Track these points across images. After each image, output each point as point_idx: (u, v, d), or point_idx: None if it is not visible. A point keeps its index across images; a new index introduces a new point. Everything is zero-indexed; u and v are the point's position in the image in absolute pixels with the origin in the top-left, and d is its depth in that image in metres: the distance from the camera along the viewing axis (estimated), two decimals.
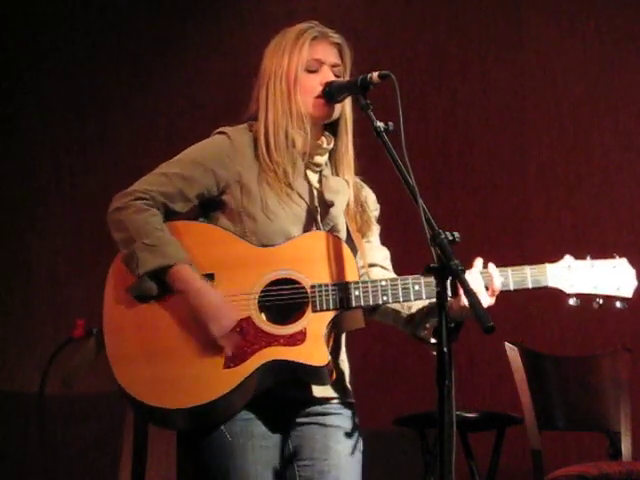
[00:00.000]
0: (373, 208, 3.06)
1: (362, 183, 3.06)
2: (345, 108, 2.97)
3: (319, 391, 2.85)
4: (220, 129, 2.96)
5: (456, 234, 2.69)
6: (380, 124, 2.73)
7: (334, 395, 2.89)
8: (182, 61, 6.19)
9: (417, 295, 2.78)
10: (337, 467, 2.87)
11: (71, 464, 5.84)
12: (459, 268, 2.52)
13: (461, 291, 2.69)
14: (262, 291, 2.78)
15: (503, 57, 5.88)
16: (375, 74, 2.79)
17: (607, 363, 4.89)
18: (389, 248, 3.05)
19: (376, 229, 3.05)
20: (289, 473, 2.87)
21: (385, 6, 6.07)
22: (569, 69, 5.80)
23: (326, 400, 2.88)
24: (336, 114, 2.95)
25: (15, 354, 6.03)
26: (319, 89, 2.91)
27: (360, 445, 2.92)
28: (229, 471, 2.78)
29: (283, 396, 2.82)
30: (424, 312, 2.88)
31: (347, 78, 2.95)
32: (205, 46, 6.19)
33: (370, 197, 3.07)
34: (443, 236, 2.58)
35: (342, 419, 2.90)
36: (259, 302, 2.78)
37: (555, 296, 5.73)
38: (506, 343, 4.75)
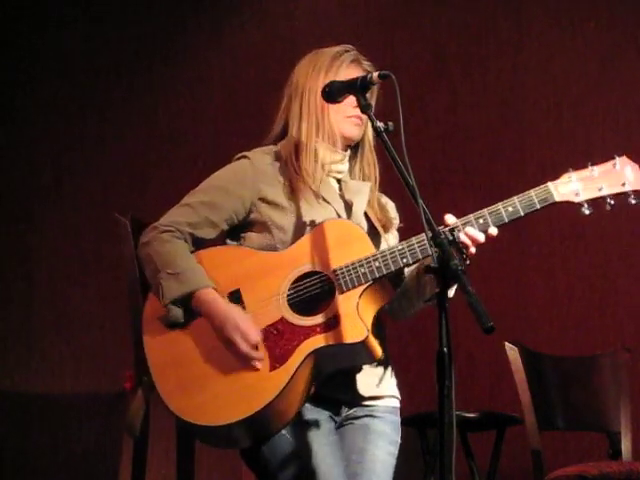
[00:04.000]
0: (393, 216, 3.12)
1: (380, 193, 3.13)
2: (367, 127, 3.05)
3: (365, 390, 2.91)
4: (240, 154, 3.03)
5: (456, 234, 2.71)
6: (380, 124, 2.75)
7: (382, 394, 2.95)
8: (182, 61, 6.19)
9: None
10: (371, 471, 2.91)
11: (71, 464, 5.84)
12: (459, 268, 2.53)
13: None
14: (289, 289, 2.84)
15: (503, 57, 5.88)
16: (375, 74, 2.81)
17: (607, 363, 4.89)
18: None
19: (395, 237, 3.11)
20: None
21: (385, 6, 6.07)
22: (569, 69, 5.80)
23: (373, 399, 2.93)
24: (362, 133, 3.04)
25: (15, 354, 6.03)
26: (351, 111, 2.98)
27: (396, 451, 2.99)
28: (293, 475, 2.82)
29: (332, 398, 2.89)
30: (418, 272, 2.95)
31: (373, 104, 3.00)
32: (205, 46, 6.18)
33: (390, 204, 3.15)
34: (443, 236, 2.60)
35: (386, 424, 2.96)
36: (289, 300, 2.84)
37: (555, 296, 5.74)
38: (506, 343, 4.75)
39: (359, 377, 2.91)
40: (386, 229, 3.06)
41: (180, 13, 6.21)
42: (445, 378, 2.48)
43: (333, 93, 2.90)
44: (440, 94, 5.93)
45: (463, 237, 2.79)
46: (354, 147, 3.08)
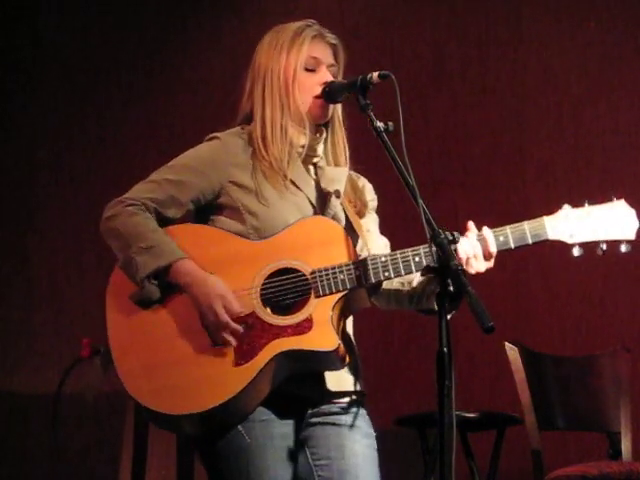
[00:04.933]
0: (370, 198, 3.05)
1: (358, 174, 3.05)
2: (336, 107, 2.96)
3: (334, 385, 2.84)
4: (212, 134, 2.96)
5: (456, 234, 2.70)
6: (380, 124, 2.73)
7: (350, 389, 2.88)
8: (182, 61, 6.19)
9: (418, 266, 2.75)
10: (356, 466, 2.86)
11: (71, 464, 5.84)
12: (459, 268, 2.52)
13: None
14: (263, 284, 2.77)
15: (503, 57, 5.88)
16: (375, 74, 2.79)
17: (607, 363, 4.89)
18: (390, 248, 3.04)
19: (374, 219, 3.05)
20: (307, 474, 2.86)
21: (385, 6, 6.07)
22: (569, 69, 5.80)
23: (341, 395, 2.87)
24: (330, 113, 2.95)
25: (15, 354, 6.03)
26: (317, 89, 2.91)
27: (375, 443, 2.92)
28: (250, 473, 2.78)
29: (298, 395, 2.82)
30: (425, 282, 2.88)
31: (340, 79, 2.95)
32: (205, 46, 6.19)
33: (367, 186, 3.06)
34: (443, 236, 2.59)
35: (355, 418, 2.89)
36: (262, 295, 2.77)
37: (555, 296, 5.74)
38: (506, 343, 4.76)
39: (327, 373, 2.83)
40: (361, 214, 2.98)
41: (180, 13, 6.22)
42: (445, 378, 2.48)
43: (333, 93, 2.88)
44: (440, 94, 5.93)
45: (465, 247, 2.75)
46: (324, 126, 2.98)
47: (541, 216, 2.84)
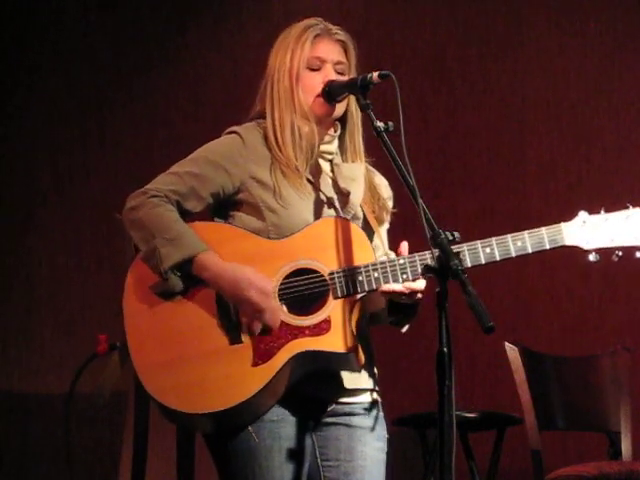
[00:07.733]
0: (387, 196, 3.04)
1: (374, 170, 3.04)
2: (350, 102, 2.95)
3: (350, 382, 2.84)
4: (230, 129, 2.96)
5: (456, 234, 2.69)
6: (380, 124, 2.73)
7: (365, 386, 2.88)
8: (182, 61, 6.19)
9: None
10: (363, 469, 2.87)
11: (71, 464, 5.84)
12: (459, 268, 2.52)
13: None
14: (281, 284, 2.77)
15: (503, 57, 5.88)
16: (375, 74, 2.79)
17: (607, 363, 4.89)
18: (390, 248, 3.04)
19: (384, 229, 3.03)
20: (314, 473, 2.86)
21: (385, 6, 6.07)
22: (569, 69, 5.80)
23: (357, 392, 2.87)
24: (339, 112, 2.94)
25: (15, 354, 6.03)
26: (320, 88, 2.90)
27: (385, 447, 2.93)
28: (255, 473, 2.78)
29: (311, 395, 2.82)
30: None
31: (352, 75, 2.94)
32: (205, 46, 6.19)
33: (383, 184, 3.05)
34: (443, 236, 2.59)
35: (369, 420, 2.89)
36: (279, 295, 2.77)
37: (555, 296, 5.74)
38: (506, 343, 4.76)
39: (343, 372, 2.83)
40: (380, 220, 2.98)
41: (180, 13, 6.21)
42: (445, 378, 2.48)
43: (332, 93, 2.88)
44: (440, 94, 5.93)
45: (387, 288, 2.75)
46: (340, 122, 2.97)
47: (556, 223, 2.84)
